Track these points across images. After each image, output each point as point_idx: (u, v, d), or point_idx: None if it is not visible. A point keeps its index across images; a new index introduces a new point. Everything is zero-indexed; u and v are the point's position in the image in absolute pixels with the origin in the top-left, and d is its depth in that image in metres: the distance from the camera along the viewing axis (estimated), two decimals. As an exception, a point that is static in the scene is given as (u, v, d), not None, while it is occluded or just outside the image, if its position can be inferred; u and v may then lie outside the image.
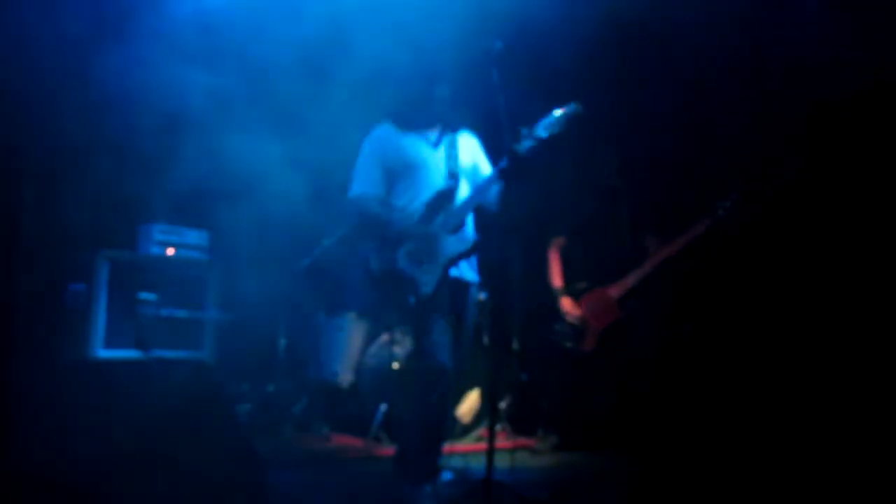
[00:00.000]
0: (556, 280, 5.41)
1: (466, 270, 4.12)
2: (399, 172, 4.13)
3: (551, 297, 5.37)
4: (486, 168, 4.28)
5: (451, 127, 4.25)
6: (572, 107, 3.87)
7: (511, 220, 3.88)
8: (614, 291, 5.29)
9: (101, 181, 5.37)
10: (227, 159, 5.55)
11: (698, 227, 5.14)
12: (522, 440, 5.47)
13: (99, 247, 5.24)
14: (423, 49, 4.22)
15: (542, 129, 3.83)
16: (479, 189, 4.07)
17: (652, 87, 5.56)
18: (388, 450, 5.05)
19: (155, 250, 5.55)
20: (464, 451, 4.94)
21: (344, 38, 5.28)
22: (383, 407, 5.35)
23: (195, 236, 5.72)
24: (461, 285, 4.09)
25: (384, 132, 4.21)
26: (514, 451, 4.56)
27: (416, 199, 4.07)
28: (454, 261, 3.99)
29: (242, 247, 5.72)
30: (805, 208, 5.10)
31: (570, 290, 5.37)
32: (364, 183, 4.15)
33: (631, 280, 5.28)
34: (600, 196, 5.44)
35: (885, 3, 4.74)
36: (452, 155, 4.17)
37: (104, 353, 5.21)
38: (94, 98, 5.21)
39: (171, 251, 5.59)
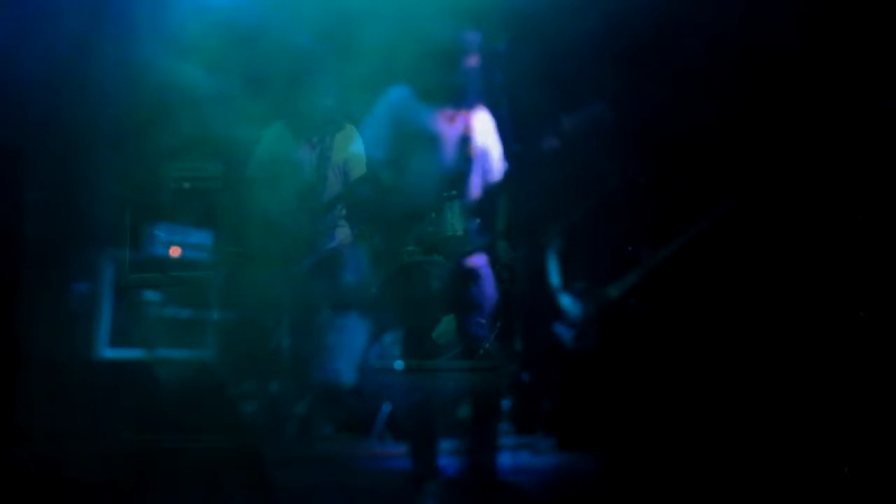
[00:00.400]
0: (556, 279, 5.42)
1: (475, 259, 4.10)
2: (412, 142, 4.05)
3: (551, 297, 5.38)
4: (495, 153, 4.20)
5: (469, 103, 4.17)
6: (599, 107, 3.84)
7: (513, 220, 3.89)
8: (614, 291, 5.31)
9: (104, 181, 5.38)
10: (231, 158, 5.56)
11: (699, 228, 5.16)
12: (523, 440, 5.48)
13: (103, 247, 5.26)
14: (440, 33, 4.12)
15: (567, 125, 3.81)
16: (490, 190, 4.05)
17: (652, 87, 5.56)
18: (391, 450, 5.06)
19: (159, 250, 5.57)
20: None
21: (346, 35, 5.27)
22: (386, 407, 5.37)
23: (199, 236, 5.73)
24: (471, 274, 4.06)
25: (401, 96, 4.12)
26: (515, 451, 4.58)
27: (427, 176, 4.03)
28: (464, 255, 3.97)
29: (246, 246, 5.72)
30: (806, 208, 5.11)
31: (570, 290, 5.39)
32: (372, 145, 4.06)
33: (631, 280, 5.29)
34: (600, 196, 5.44)
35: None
36: (467, 136, 4.10)
37: (109, 353, 5.24)
38: (98, 97, 5.21)
39: (175, 251, 5.61)
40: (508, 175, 3.90)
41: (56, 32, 4.87)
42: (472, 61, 4.01)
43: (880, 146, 4.87)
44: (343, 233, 5.57)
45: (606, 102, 3.85)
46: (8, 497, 3.88)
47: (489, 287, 4.07)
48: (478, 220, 4.08)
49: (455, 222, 3.94)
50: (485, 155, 4.14)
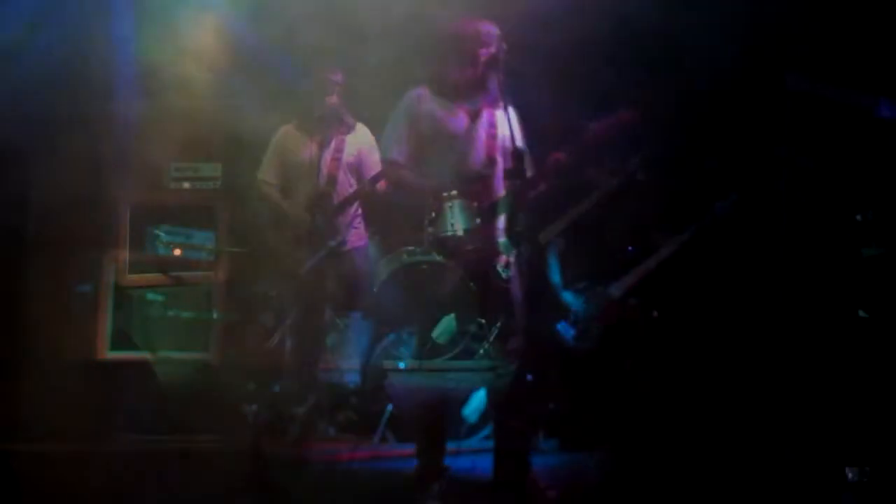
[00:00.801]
0: (558, 279, 5.42)
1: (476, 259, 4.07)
2: (431, 142, 4.01)
3: (552, 297, 5.37)
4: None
5: (493, 98, 4.07)
6: (626, 113, 3.82)
7: (515, 218, 3.86)
8: (615, 291, 5.30)
9: (105, 181, 5.40)
10: (235, 157, 5.58)
11: (697, 226, 5.16)
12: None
13: (104, 247, 5.27)
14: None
15: (593, 131, 3.79)
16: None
17: (652, 88, 5.55)
18: (394, 450, 5.06)
19: (161, 251, 5.57)
20: (470, 451, 4.94)
21: (358, 31, 5.26)
22: (389, 407, 5.36)
23: (201, 237, 5.73)
24: (471, 274, 4.02)
25: (419, 96, 4.07)
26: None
27: (447, 175, 3.98)
28: (464, 255, 3.93)
29: (248, 247, 5.73)
30: (806, 209, 5.10)
31: (571, 289, 5.38)
32: (393, 149, 4.05)
33: (631, 279, 5.28)
34: (600, 195, 5.43)
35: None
36: (491, 132, 4.06)
37: (111, 354, 5.25)
38: (99, 98, 5.23)
39: (177, 252, 5.61)
40: (510, 173, 3.86)
41: (56, 32, 4.88)
42: (491, 55, 3.96)
43: (881, 147, 4.86)
44: (351, 232, 5.58)
45: (635, 108, 3.80)
46: (8, 497, 3.89)
47: (490, 287, 4.05)
48: (478, 220, 4.05)
49: (455, 222, 3.91)
50: (509, 151, 4.08)
